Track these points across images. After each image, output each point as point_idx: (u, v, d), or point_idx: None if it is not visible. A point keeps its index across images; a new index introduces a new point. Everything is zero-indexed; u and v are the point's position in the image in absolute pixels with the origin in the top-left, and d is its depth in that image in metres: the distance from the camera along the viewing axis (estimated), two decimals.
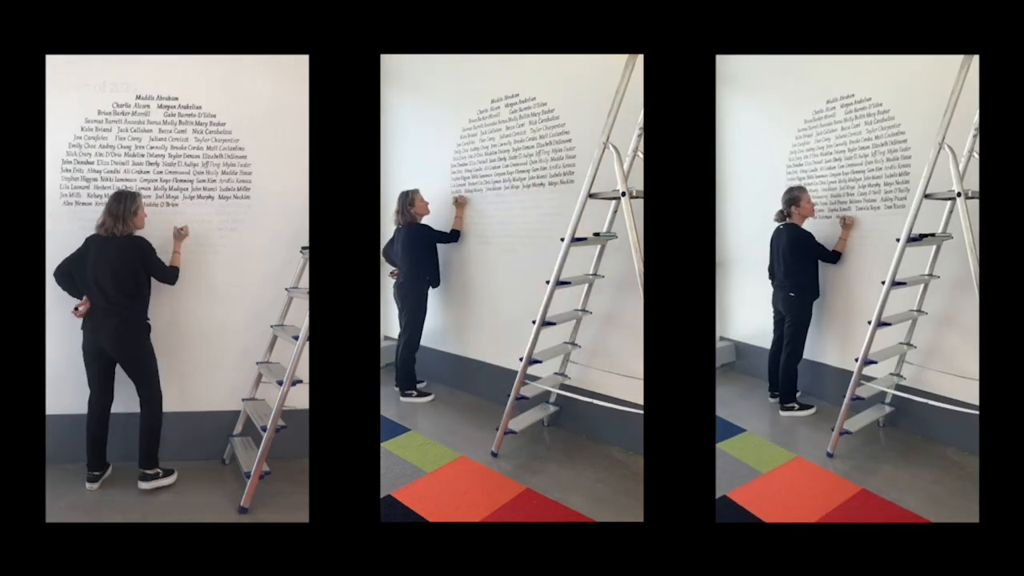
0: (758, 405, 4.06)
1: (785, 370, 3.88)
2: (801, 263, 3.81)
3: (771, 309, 4.07)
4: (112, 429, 3.13)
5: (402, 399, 4.16)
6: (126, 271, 2.98)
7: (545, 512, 2.77)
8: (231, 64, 3.26)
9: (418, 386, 4.24)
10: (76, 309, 3.01)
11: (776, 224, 3.92)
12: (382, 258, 4.36)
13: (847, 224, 3.80)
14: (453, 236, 4.23)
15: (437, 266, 4.22)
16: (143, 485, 3.01)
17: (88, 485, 3.02)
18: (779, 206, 3.86)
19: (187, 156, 3.29)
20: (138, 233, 3.04)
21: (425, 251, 4.17)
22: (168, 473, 3.08)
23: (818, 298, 3.88)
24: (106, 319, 2.97)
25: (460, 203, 4.23)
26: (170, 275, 3.14)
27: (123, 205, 3.00)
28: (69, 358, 3.14)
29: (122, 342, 3.00)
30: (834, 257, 3.84)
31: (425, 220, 4.18)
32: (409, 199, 4.14)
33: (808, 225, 3.86)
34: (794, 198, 3.80)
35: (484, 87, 4.02)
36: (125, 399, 3.10)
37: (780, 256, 3.87)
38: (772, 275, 4.00)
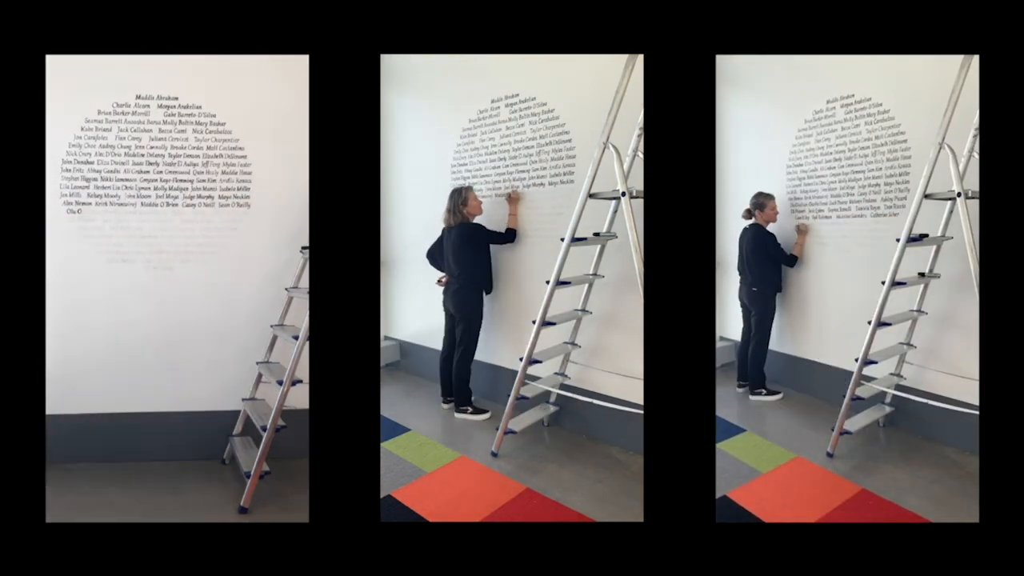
0: (758, 405, 4.07)
1: (755, 359, 4.16)
2: (763, 261, 4.10)
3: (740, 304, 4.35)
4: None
5: (456, 415, 3.87)
6: (462, 251, 3.78)
7: (545, 512, 2.77)
8: (231, 64, 3.26)
9: (472, 401, 3.92)
10: (439, 281, 4.00)
11: (744, 223, 4.18)
12: (427, 260, 4.13)
13: (802, 231, 4.10)
14: (509, 236, 3.83)
15: (490, 270, 3.93)
16: (457, 415, 3.85)
17: (443, 405, 4.01)
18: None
19: (187, 156, 3.29)
20: (477, 220, 3.80)
21: (481, 253, 3.85)
22: (479, 411, 3.86)
23: (780, 292, 4.20)
24: (451, 286, 3.89)
25: (514, 199, 3.84)
26: (509, 237, 3.81)
27: (453, 200, 3.80)
28: (69, 358, 3.15)
29: (459, 302, 3.86)
30: (791, 260, 4.12)
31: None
32: (462, 197, 3.81)
33: (773, 228, 4.12)
34: (759, 204, 4.09)
35: (484, 87, 4.02)
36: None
37: (744, 254, 4.19)
38: (740, 271, 4.29)
